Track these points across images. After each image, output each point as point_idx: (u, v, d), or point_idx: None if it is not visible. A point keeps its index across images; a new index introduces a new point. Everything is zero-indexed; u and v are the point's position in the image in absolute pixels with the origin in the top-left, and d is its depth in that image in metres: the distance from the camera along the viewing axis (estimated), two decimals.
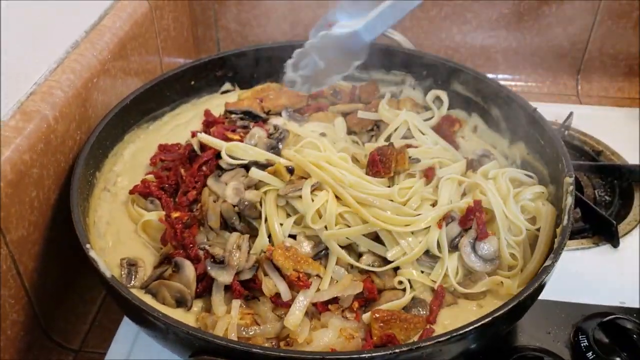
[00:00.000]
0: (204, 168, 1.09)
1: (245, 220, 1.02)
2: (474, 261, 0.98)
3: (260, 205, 1.01)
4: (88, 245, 0.88)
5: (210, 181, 1.06)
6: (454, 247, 1.00)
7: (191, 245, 0.99)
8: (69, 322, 1.09)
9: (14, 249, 0.92)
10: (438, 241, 0.99)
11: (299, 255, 0.94)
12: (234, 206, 1.02)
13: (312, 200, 0.97)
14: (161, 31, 1.43)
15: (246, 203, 1.01)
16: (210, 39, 1.75)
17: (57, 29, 1.09)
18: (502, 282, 0.95)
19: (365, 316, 0.92)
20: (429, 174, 1.08)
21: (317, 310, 0.93)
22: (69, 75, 1.06)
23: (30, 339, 1.00)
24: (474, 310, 0.96)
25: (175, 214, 1.03)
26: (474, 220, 1.00)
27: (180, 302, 0.94)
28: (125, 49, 1.25)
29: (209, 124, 1.22)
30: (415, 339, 0.89)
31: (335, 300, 0.94)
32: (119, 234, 1.05)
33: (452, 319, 0.94)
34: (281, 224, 0.99)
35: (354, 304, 0.94)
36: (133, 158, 1.19)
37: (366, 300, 0.95)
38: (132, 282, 0.97)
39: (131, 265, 0.99)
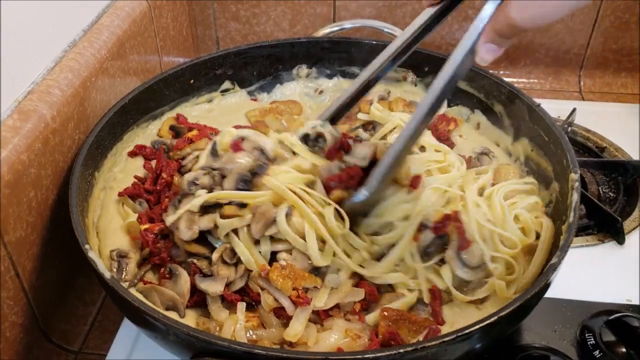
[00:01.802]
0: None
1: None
2: (465, 272, 0.95)
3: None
4: (87, 246, 0.87)
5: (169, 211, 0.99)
6: (428, 254, 0.95)
7: (169, 259, 0.97)
8: (68, 323, 1.08)
9: (12, 250, 0.91)
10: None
11: (296, 272, 0.92)
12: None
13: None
14: (160, 30, 1.42)
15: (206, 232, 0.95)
16: (209, 38, 1.75)
17: (54, 27, 1.08)
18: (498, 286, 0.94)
19: (372, 316, 0.91)
20: (415, 183, 1.00)
21: (320, 317, 0.92)
22: (67, 74, 1.05)
23: (30, 340, 0.99)
24: (474, 307, 0.94)
25: (144, 226, 1.00)
26: (448, 228, 0.96)
27: (171, 309, 0.92)
28: (123, 47, 1.23)
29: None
30: (421, 338, 0.88)
31: (336, 306, 0.92)
32: (108, 227, 1.04)
33: (455, 316, 0.93)
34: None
35: (356, 306, 0.93)
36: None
37: (368, 302, 0.94)
38: (124, 275, 0.95)
39: (121, 257, 0.97)
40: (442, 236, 0.95)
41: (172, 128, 1.22)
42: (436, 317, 0.92)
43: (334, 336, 0.88)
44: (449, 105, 1.27)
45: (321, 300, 0.91)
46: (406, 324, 0.88)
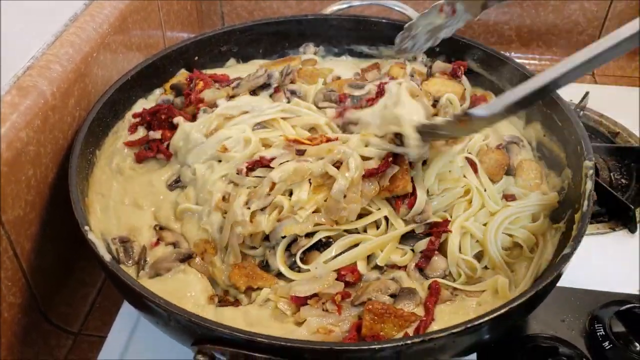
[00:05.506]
0: None
1: None
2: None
3: None
4: (87, 228, 0.85)
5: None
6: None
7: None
8: (68, 304, 1.07)
9: (10, 230, 0.89)
10: None
11: (255, 272, 0.92)
12: None
13: None
14: (164, 4, 1.39)
15: None
16: (214, 13, 1.71)
17: (55, 1, 1.05)
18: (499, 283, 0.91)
19: (355, 310, 0.88)
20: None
21: (294, 304, 0.88)
22: (68, 49, 1.03)
23: (29, 321, 0.97)
24: (474, 303, 0.91)
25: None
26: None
27: (185, 258, 0.94)
28: (126, 22, 1.20)
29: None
30: (410, 332, 0.84)
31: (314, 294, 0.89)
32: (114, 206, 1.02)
33: (452, 312, 0.89)
34: None
35: (336, 298, 0.88)
36: None
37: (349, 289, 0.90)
38: (132, 261, 0.95)
39: (124, 242, 0.96)
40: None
41: (172, 87, 1.19)
42: (427, 314, 0.87)
43: (303, 331, 0.85)
44: None
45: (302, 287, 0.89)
46: (391, 319, 0.84)
